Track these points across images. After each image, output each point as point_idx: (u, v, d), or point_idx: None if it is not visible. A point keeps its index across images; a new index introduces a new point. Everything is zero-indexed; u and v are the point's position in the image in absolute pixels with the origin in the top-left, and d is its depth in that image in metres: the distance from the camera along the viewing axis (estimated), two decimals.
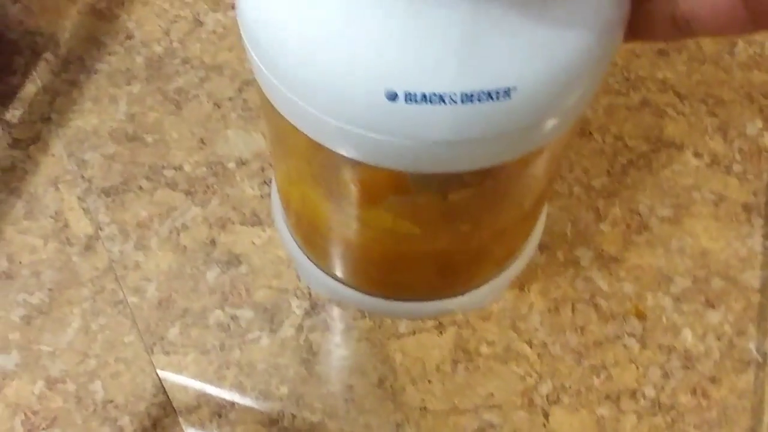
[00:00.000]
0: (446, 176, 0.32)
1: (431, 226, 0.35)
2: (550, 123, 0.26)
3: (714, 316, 0.41)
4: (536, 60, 0.23)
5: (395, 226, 0.35)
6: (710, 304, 0.41)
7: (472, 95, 0.23)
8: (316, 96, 0.25)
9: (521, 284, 0.42)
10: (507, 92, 0.24)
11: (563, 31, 0.24)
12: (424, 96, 0.23)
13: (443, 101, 0.23)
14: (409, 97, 0.23)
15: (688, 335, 0.41)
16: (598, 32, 0.24)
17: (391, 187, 0.33)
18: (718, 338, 0.41)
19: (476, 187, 0.33)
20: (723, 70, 0.49)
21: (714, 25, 0.24)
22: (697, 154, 0.46)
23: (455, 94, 0.23)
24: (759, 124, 0.47)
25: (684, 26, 0.24)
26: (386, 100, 0.23)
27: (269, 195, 0.44)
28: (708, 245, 0.43)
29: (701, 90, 0.48)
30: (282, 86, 0.26)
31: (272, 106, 0.29)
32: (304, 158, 0.35)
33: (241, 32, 0.27)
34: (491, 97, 0.23)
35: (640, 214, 0.44)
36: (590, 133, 0.46)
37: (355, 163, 0.31)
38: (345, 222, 0.36)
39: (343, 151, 0.28)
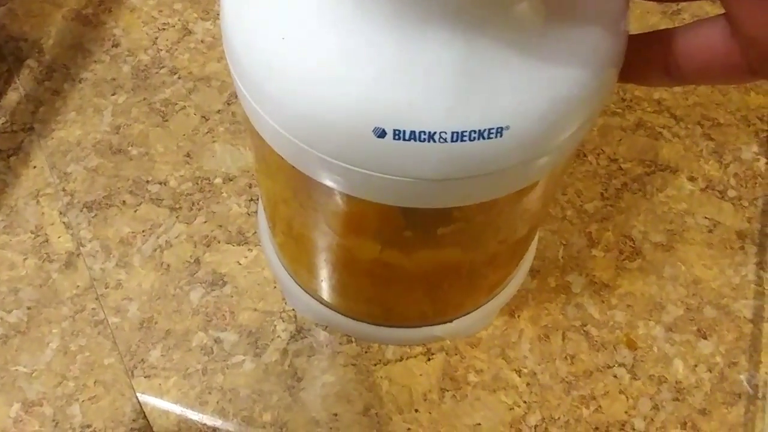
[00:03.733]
0: (437, 211, 0.32)
1: (420, 255, 0.34)
2: (543, 161, 0.25)
3: (706, 347, 0.40)
4: (530, 98, 0.23)
5: (382, 256, 0.34)
6: (702, 335, 0.41)
7: (463, 134, 0.22)
8: (301, 127, 0.24)
9: (511, 310, 0.41)
10: (499, 131, 0.23)
11: (558, 69, 0.23)
12: (413, 134, 0.22)
13: (433, 139, 0.22)
14: (398, 135, 0.22)
15: (679, 366, 0.40)
16: (593, 71, 0.23)
17: (378, 220, 0.32)
18: (710, 369, 0.40)
19: (467, 220, 0.32)
20: (719, 92, 0.48)
21: (708, 74, 0.23)
22: (691, 178, 0.45)
23: (445, 132, 0.22)
24: (755, 148, 0.46)
25: (677, 74, 0.23)
26: (374, 136, 0.23)
27: (256, 213, 0.43)
28: (701, 273, 0.42)
29: (697, 112, 0.47)
30: (266, 114, 0.25)
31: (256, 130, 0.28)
32: (288, 185, 0.34)
33: (226, 54, 0.26)
34: (483, 136, 0.23)
35: (633, 240, 0.43)
36: (584, 155, 0.45)
37: (341, 194, 0.30)
38: (331, 249, 0.35)
39: (328, 183, 0.27)
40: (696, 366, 0.40)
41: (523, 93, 0.22)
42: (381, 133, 0.23)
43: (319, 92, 0.23)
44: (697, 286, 0.42)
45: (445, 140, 0.22)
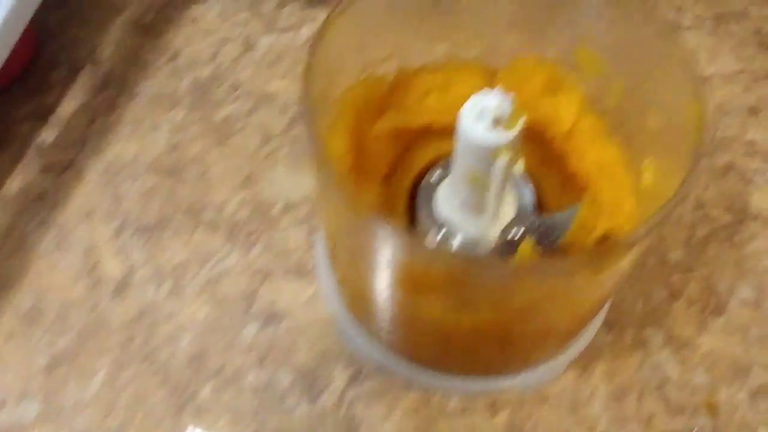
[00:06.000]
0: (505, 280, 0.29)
1: (485, 316, 0.32)
2: None
3: None
4: None
5: (444, 316, 0.32)
6: None
7: None
8: None
9: (584, 365, 0.38)
10: None
11: None
12: None
13: None
14: None
15: None
16: None
17: (440, 279, 0.30)
18: None
19: (538, 291, 0.30)
20: None
21: None
22: None
23: None
24: None
25: None
26: None
27: (316, 245, 0.41)
28: None
29: None
30: None
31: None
32: (351, 233, 0.32)
33: None
34: None
35: (717, 295, 0.40)
36: None
37: (402, 251, 0.28)
38: (392, 300, 0.33)
39: None
40: None
41: None
42: None
43: None
44: None
45: None
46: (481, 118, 0.30)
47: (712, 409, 0.38)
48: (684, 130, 0.30)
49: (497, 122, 0.30)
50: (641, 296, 0.40)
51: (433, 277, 0.30)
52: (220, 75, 0.46)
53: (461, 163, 0.33)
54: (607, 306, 0.39)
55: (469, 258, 0.28)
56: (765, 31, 0.48)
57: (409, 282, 0.30)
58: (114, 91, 0.45)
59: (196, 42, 0.47)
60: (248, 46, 0.47)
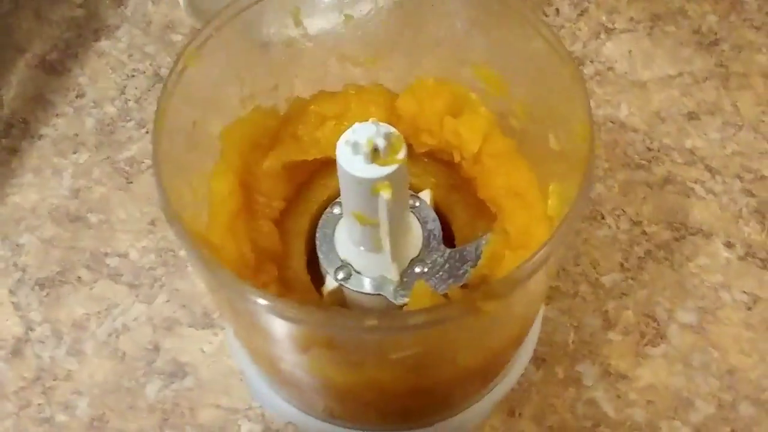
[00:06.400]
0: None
1: (375, 370, 0.29)
2: None
3: None
4: None
5: (337, 373, 0.29)
6: None
7: None
8: None
9: (511, 408, 0.36)
10: None
11: None
12: None
13: None
14: None
15: None
16: None
17: (312, 337, 0.27)
18: None
19: (420, 345, 0.27)
20: (764, 138, 0.41)
21: None
22: (728, 244, 0.39)
23: None
24: None
25: None
26: None
27: None
28: (737, 361, 0.36)
29: (736, 163, 0.40)
30: None
31: None
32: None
33: None
34: None
35: (657, 320, 0.37)
36: (602, 216, 0.39)
37: (262, 312, 0.26)
38: (282, 355, 0.30)
39: None
40: None
41: None
42: None
43: None
44: (732, 377, 0.36)
45: None
46: (357, 151, 0.28)
47: None
48: (577, 153, 0.28)
49: (375, 155, 0.28)
50: (572, 328, 0.37)
51: (306, 336, 0.27)
52: (126, 111, 0.43)
53: (345, 200, 0.30)
54: (534, 339, 0.36)
55: (329, 317, 0.26)
56: (704, 29, 0.45)
57: (287, 339, 0.28)
58: (16, 136, 0.43)
59: (103, 78, 0.45)
60: (158, 79, 0.45)
